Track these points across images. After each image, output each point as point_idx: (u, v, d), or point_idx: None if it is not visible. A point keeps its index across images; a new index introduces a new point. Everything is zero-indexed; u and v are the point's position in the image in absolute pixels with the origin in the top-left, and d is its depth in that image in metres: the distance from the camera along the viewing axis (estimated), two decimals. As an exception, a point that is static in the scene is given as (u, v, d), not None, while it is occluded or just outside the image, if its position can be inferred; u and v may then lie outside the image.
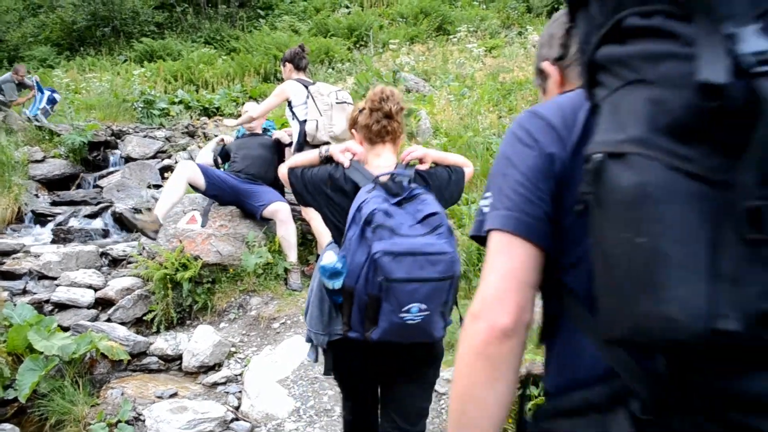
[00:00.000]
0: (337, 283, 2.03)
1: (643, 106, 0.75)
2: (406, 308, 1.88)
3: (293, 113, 5.22)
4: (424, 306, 1.90)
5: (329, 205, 2.30)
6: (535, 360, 3.16)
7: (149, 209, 5.07)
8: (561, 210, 1.00)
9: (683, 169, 0.71)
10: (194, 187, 5.24)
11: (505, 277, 1.00)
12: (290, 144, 5.63)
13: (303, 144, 5.07)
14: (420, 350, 2.19)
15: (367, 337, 1.98)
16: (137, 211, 6.34)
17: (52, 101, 10.33)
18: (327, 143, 4.64)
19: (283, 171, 2.47)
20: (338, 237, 2.24)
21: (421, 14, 18.97)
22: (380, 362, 2.23)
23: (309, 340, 2.31)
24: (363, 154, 2.34)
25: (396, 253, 1.87)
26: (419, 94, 10.67)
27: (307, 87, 5.21)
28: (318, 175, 2.33)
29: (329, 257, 2.04)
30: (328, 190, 2.28)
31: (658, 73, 0.75)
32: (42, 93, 10.38)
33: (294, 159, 2.47)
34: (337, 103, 5.13)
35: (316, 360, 2.39)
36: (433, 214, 2.01)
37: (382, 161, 2.33)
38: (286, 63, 5.49)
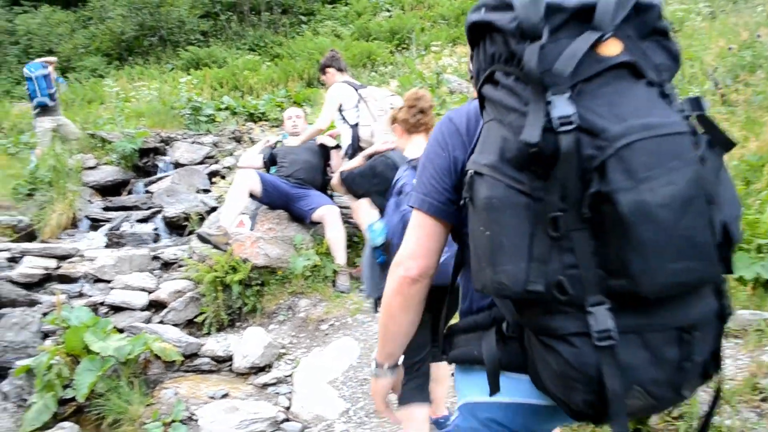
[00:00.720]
0: (379, 239, 2.73)
1: (498, 141, 1.13)
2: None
3: (343, 117, 5.22)
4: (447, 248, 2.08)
5: (372, 192, 3.06)
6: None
7: (219, 227, 5.20)
8: (461, 197, 1.35)
9: (516, 188, 1.09)
10: (252, 195, 5.34)
11: (417, 242, 1.45)
12: (336, 147, 5.66)
13: (357, 149, 5.06)
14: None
15: None
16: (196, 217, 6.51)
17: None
18: None
19: (335, 182, 3.30)
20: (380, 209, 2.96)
21: (463, 15, 18.87)
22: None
23: (369, 296, 2.98)
24: (401, 143, 3.07)
25: None
26: (463, 95, 10.62)
27: (357, 90, 5.22)
28: (365, 170, 3.17)
29: (372, 220, 2.81)
30: (375, 180, 3.07)
31: (507, 120, 1.13)
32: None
33: (342, 168, 3.23)
34: (392, 109, 5.10)
35: (375, 312, 2.93)
36: None
37: (417, 148, 2.91)
38: (326, 69, 5.54)
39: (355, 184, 3.30)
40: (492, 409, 1.37)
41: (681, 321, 1.09)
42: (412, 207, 1.48)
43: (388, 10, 19.82)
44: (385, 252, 2.75)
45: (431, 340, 2.73)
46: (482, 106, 1.25)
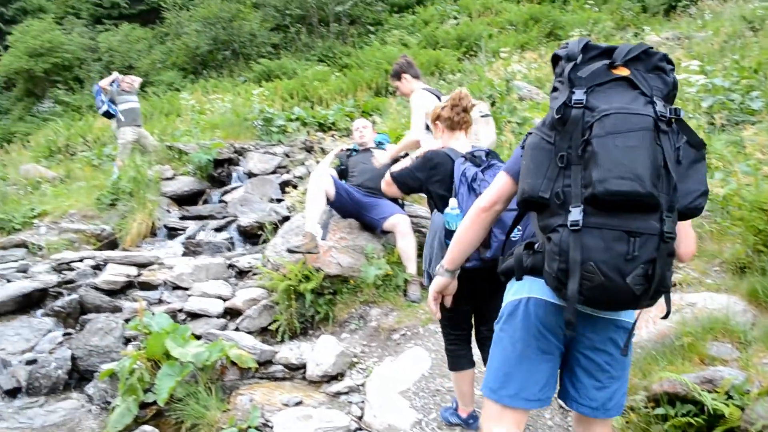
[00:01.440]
0: (455, 223, 2.88)
1: (545, 116, 1.91)
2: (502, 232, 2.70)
3: (426, 125, 5.05)
4: (520, 228, 2.69)
5: (430, 182, 3.30)
6: (670, 378, 2.98)
7: (305, 233, 5.25)
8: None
9: (545, 138, 1.86)
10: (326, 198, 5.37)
11: (494, 188, 2.17)
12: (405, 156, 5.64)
13: None
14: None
15: (482, 253, 2.80)
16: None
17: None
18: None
19: (384, 186, 3.59)
20: (441, 202, 3.18)
21: (531, 20, 18.64)
22: (483, 282, 3.03)
23: (428, 280, 3.17)
24: (444, 139, 3.38)
25: None
26: (533, 102, 10.45)
27: (439, 98, 5.16)
28: (421, 164, 3.35)
29: (453, 204, 2.94)
30: (433, 171, 3.27)
31: (552, 104, 1.86)
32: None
33: (392, 169, 3.54)
34: (481, 116, 5.04)
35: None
36: None
37: (459, 144, 3.32)
38: (402, 75, 5.36)
39: (412, 179, 3.42)
40: (525, 300, 2.04)
41: (628, 227, 1.72)
42: (503, 170, 2.18)
43: (456, 18, 19.77)
44: None
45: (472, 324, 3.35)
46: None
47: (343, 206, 5.48)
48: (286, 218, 7.33)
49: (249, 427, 3.80)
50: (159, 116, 16.17)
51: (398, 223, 5.27)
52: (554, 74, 1.96)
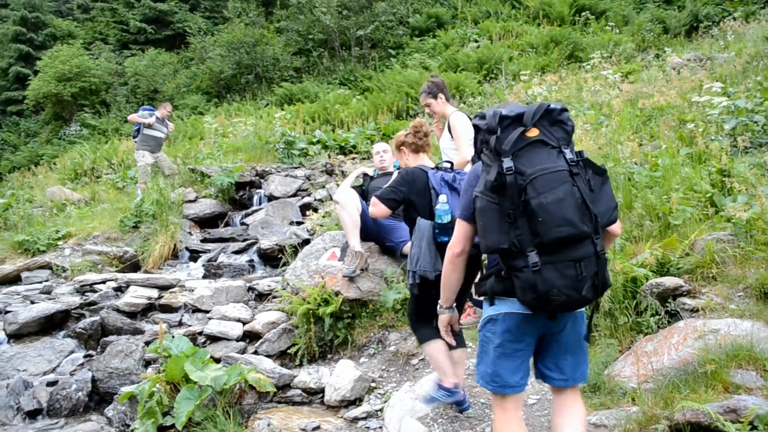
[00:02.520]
0: (446, 217, 3.57)
1: (483, 180, 2.40)
2: None
3: (454, 147, 5.07)
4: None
5: (413, 194, 3.87)
6: (693, 407, 2.92)
7: (355, 252, 5.35)
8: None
9: (491, 201, 2.35)
10: None
11: (460, 237, 2.66)
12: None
13: None
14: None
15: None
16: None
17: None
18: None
19: (372, 209, 3.98)
20: (423, 209, 3.84)
21: (552, 43, 18.65)
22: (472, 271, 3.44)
23: (417, 281, 3.66)
24: (410, 160, 4.13)
25: None
26: (554, 124, 10.42)
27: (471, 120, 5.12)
28: (402, 180, 3.92)
29: (443, 200, 3.59)
30: (413, 184, 3.89)
31: (486, 170, 2.39)
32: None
33: (374, 200, 3.96)
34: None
35: (418, 291, 3.71)
36: None
37: (424, 163, 4.09)
38: (439, 94, 5.22)
39: (396, 194, 3.89)
40: (503, 315, 2.56)
41: (573, 257, 2.28)
42: (458, 217, 2.71)
43: (476, 41, 19.85)
44: (448, 232, 3.42)
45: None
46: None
47: (364, 229, 5.47)
48: (307, 241, 7.36)
49: (266, 451, 3.80)
50: (183, 139, 16.40)
51: (418, 246, 5.25)
52: (478, 141, 2.52)
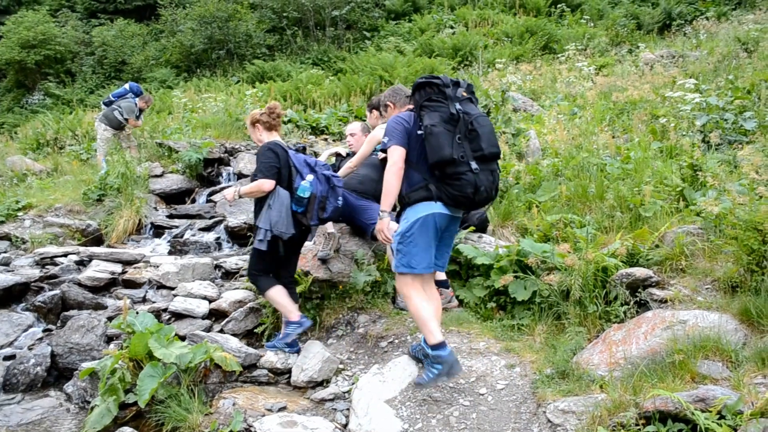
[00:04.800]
0: (307, 193, 4.46)
1: (437, 114, 3.72)
2: (339, 198, 4.69)
3: None
4: (341, 197, 4.69)
5: (282, 166, 4.53)
6: (662, 396, 2.94)
7: (327, 233, 5.38)
8: (409, 141, 3.84)
9: (447, 129, 3.69)
10: None
11: (399, 157, 3.81)
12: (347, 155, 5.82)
13: None
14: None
15: (320, 216, 4.59)
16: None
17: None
18: None
19: (265, 189, 4.47)
20: (287, 180, 4.55)
21: (527, 33, 18.71)
22: (304, 235, 4.76)
23: (267, 232, 4.38)
24: (264, 137, 4.75)
25: (335, 176, 4.73)
26: (527, 113, 10.46)
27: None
28: (272, 157, 4.52)
29: (309, 179, 4.51)
30: (279, 157, 4.54)
31: (441, 109, 3.75)
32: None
33: (260, 183, 4.50)
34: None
35: (260, 243, 4.42)
36: (326, 164, 4.84)
37: (277, 140, 4.71)
38: (373, 110, 5.52)
39: (275, 166, 4.50)
40: (432, 214, 3.76)
41: (491, 168, 3.76)
42: (394, 145, 3.83)
43: (452, 27, 19.79)
44: (304, 204, 4.48)
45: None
46: (420, 110, 3.80)
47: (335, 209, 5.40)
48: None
49: (231, 431, 3.73)
50: (150, 113, 16.04)
51: (389, 229, 5.22)
52: (427, 93, 3.81)
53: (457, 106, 3.70)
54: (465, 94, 3.80)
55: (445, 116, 3.67)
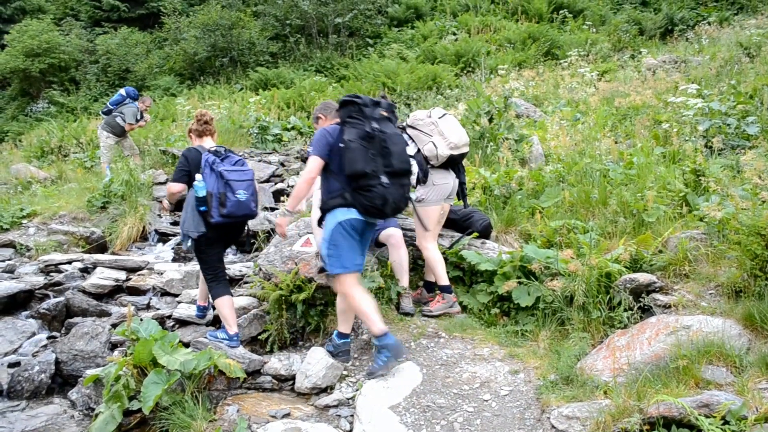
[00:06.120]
0: (202, 192, 4.63)
1: (354, 131, 4.09)
2: (239, 192, 4.66)
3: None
4: (244, 191, 4.70)
5: (191, 169, 4.79)
6: (666, 401, 2.94)
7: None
8: (331, 152, 4.19)
9: (363, 145, 4.04)
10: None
11: (313, 167, 4.22)
12: None
13: (428, 169, 5.03)
14: (244, 223, 5.05)
15: (221, 212, 4.64)
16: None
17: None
18: (451, 156, 5.08)
19: (173, 191, 4.94)
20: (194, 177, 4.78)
21: (529, 39, 18.74)
22: (226, 232, 4.92)
23: (186, 237, 4.74)
24: (196, 143, 5.03)
25: (229, 170, 4.71)
26: (530, 119, 10.47)
27: (401, 128, 5.21)
28: (184, 158, 4.85)
29: (198, 178, 4.66)
30: (192, 162, 4.82)
31: (359, 126, 4.11)
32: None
33: (168, 186, 5.05)
34: (439, 118, 5.10)
35: (188, 246, 4.82)
36: (240, 161, 4.94)
37: (206, 144, 5.01)
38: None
39: (185, 171, 4.82)
40: (352, 220, 4.14)
41: (402, 182, 4.16)
42: (313, 155, 4.22)
43: (455, 34, 19.84)
44: (205, 203, 4.66)
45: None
46: (343, 125, 4.18)
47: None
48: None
49: (235, 438, 3.73)
50: (154, 121, 16.09)
51: (392, 235, 5.23)
52: (349, 111, 4.16)
53: (374, 124, 4.06)
54: (384, 113, 4.18)
55: (362, 133, 4.04)
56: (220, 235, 4.89)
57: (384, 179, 3.99)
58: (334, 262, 4.19)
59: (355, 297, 4.23)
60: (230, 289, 5.06)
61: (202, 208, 4.67)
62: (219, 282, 4.94)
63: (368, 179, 3.99)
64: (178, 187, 4.90)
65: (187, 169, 4.81)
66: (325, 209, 4.23)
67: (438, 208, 5.19)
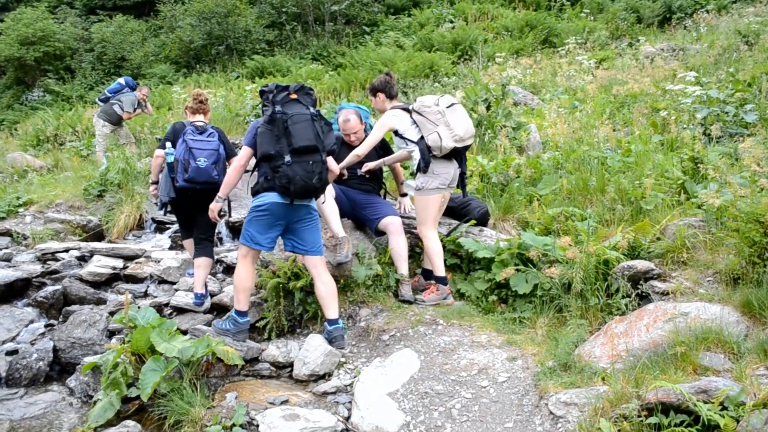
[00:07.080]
0: (170, 158, 5.27)
1: (266, 116, 4.46)
2: (200, 159, 5.18)
3: (404, 138, 5.15)
4: (204, 159, 5.21)
5: (175, 140, 5.38)
6: (665, 387, 2.95)
7: (340, 238, 5.14)
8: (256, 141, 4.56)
9: (268, 129, 4.42)
10: None
11: (244, 155, 4.62)
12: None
13: (429, 158, 4.99)
14: (211, 190, 5.11)
15: (184, 177, 5.16)
16: None
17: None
18: (455, 148, 4.96)
19: (158, 155, 5.58)
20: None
21: (527, 27, 18.67)
22: (194, 198, 5.35)
23: (162, 203, 5.66)
24: (191, 118, 5.60)
25: (195, 139, 5.26)
26: (527, 107, 10.45)
27: (407, 110, 5.15)
28: (171, 130, 5.55)
29: (168, 146, 5.35)
30: (177, 132, 5.43)
31: (267, 112, 4.50)
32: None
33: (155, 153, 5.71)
34: (447, 107, 5.03)
35: (163, 208, 5.80)
36: (211, 133, 5.42)
37: (196, 120, 5.53)
38: (378, 93, 5.34)
39: (166, 139, 5.45)
40: (268, 203, 4.46)
41: (308, 159, 4.35)
42: (244, 145, 4.61)
43: (452, 22, 19.75)
44: (174, 170, 5.25)
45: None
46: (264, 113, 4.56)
47: (340, 206, 5.37)
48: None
49: (234, 425, 3.73)
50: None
51: (391, 223, 5.22)
52: (263, 100, 4.50)
53: (277, 107, 4.34)
54: (294, 96, 4.43)
55: (267, 118, 4.39)
56: (189, 200, 5.40)
57: (287, 158, 4.26)
58: (246, 234, 4.60)
59: (241, 269, 4.65)
60: (213, 254, 5.73)
61: (172, 175, 5.31)
62: (199, 244, 5.58)
63: (275, 160, 4.31)
64: (159, 152, 5.53)
65: (171, 138, 5.43)
66: (252, 194, 4.61)
67: (439, 197, 5.13)
